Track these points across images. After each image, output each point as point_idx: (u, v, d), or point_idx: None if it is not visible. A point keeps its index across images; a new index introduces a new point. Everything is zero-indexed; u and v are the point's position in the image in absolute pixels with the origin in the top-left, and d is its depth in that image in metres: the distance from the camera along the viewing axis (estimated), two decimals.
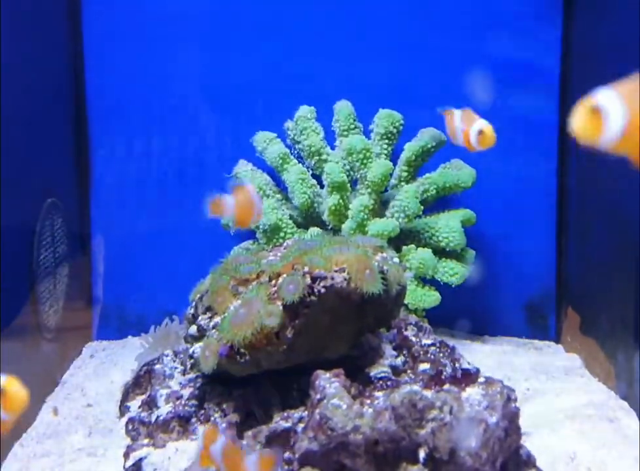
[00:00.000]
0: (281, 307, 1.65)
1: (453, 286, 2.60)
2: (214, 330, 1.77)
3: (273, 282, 1.73)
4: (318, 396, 1.46)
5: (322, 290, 1.65)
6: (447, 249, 2.62)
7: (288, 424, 1.53)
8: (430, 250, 2.58)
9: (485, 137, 1.95)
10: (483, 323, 2.85)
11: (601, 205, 2.51)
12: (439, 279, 2.60)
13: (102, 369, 2.58)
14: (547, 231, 2.83)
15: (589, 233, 2.63)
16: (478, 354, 2.60)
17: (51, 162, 2.55)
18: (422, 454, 1.46)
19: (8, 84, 2.08)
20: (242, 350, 1.66)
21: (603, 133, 0.83)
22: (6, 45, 2.08)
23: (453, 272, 2.60)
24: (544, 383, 2.39)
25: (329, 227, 2.65)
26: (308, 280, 1.66)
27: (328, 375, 1.50)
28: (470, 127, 1.97)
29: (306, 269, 1.68)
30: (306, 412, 1.52)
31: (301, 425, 1.50)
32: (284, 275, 1.71)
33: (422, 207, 2.60)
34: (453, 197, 2.74)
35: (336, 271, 1.68)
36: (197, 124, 2.85)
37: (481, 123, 1.95)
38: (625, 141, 0.85)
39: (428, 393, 1.48)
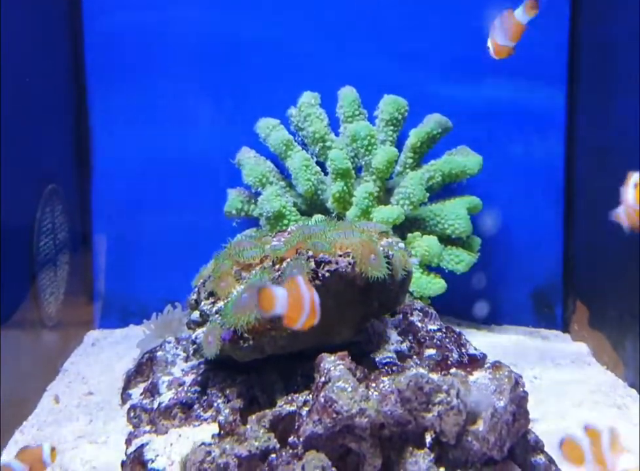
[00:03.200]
0: None
1: (458, 274, 2.57)
2: (217, 315, 1.74)
3: (277, 266, 1.71)
4: (323, 379, 1.43)
5: (327, 275, 1.62)
6: (453, 237, 2.60)
7: (292, 408, 1.50)
8: (435, 237, 2.55)
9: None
10: (490, 312, 2.82)
11: (609, 194, 2.47)
12: (444, 267, 2.57)
13: (103, 358, 2.57)
14: (554, 220, 2.80)
15: (596, 223, 2.60)
16: (484, 342, 2.56)
17: (51, 148, 2.53)
18: (428, 438, 1.43)
19: (7, 68, 2.05)
20: (245, 335, 1.63)
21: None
22: (5, 29, 2.06)
23: (458, 260, 2.57)
24: (551, 371, 2.37)
25: (333, 214, 2.62)
26: (312, 264, 1.63)
27: (333, 357, 1.48)
28: None
29: (310, 253, 1.65)
30: (311, 395, 1.49)
31: (305, 408, 1.47)
32: (288, 260, 1.68)
33: (427, 194, 2.57)
34: (459, 184, 2.70)
35: (340, 256, 1.65)
36: (200, 112, 2.83)
37: None
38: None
39: (435, 376, 1.45)
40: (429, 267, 2.57)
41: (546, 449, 1.63)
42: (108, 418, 2.10)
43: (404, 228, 2.61)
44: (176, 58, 2.80)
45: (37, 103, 2.37)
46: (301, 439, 1.40)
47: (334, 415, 1.37)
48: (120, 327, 2.85)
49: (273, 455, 1.43)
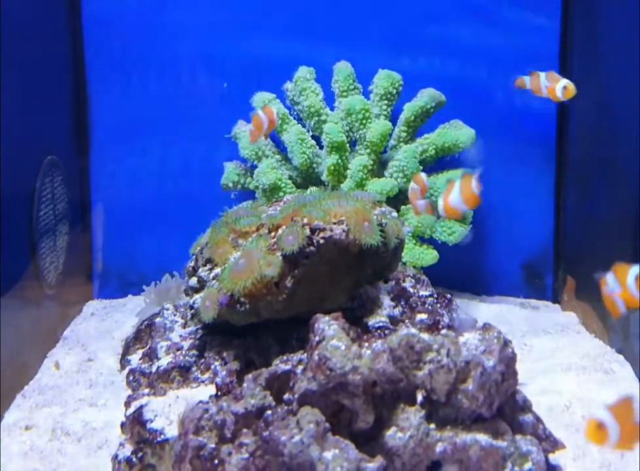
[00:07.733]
0: (280, 258, 1.66)
1: (450, 245, 2.61)
2: (214, 281, 1.79)
3: (273, 234, 1.75)
4: (317, 338, 1.47)
5: (321, 241, 1.66)
6: None
7: (287, 367, 1.54)
8: None
9: (568, 91, 2.22)
10: (481, 283, 2.87)
11: (601, 164, 2.52)
12: (437, 238, 2.61)
13: (103, 326, 2.60)
14: (545, 191, 2.83)
15: (587, 192, 2.64)
16: (475, 312, 2.62)
17: (50, 120, 2.55)
18: (419, 396, 1.48)
19: (6, 39, 2.08)
20: (242, 299, 1.67)
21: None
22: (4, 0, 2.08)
23: (450, 231, 2.61)
24: (541, 339, 2.42)
25: (328, 187, 2.65)
26: (307, 231, 1.67)
27: (327, 318, 1.52)
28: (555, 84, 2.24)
29: (305, 220, 1.69)
30: (305, 355, 1.54)
31: (300, 367, 1.51)
32: (284, 227, 1.72)
33: (421, 167, 2.61)
34: (452, 157, 2.73)
35: (334, 223, 1.70)
36: (196, 85, 2.85)
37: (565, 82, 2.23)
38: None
39: (426, 336, 1.49)
40: (422, 239, 2.62)
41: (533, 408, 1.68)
42: (108, 382, 2.15)
43: (397, 201, 2.64)
44: (173, 31, 2.81)
45: (36, 75, 2.39)
46: (295, 396, 1.45)
47: (328, 372, 1.41)
48: (119, 297, 2.88)
49: (269, 412, 1.47)
